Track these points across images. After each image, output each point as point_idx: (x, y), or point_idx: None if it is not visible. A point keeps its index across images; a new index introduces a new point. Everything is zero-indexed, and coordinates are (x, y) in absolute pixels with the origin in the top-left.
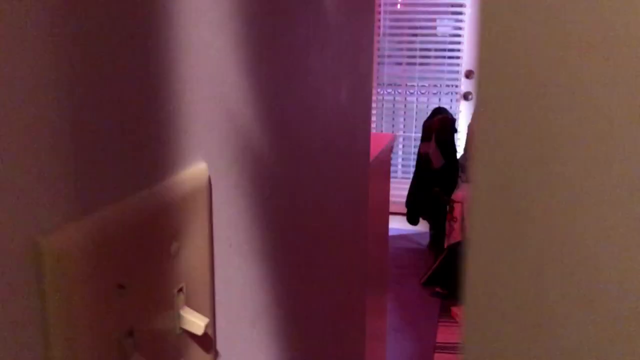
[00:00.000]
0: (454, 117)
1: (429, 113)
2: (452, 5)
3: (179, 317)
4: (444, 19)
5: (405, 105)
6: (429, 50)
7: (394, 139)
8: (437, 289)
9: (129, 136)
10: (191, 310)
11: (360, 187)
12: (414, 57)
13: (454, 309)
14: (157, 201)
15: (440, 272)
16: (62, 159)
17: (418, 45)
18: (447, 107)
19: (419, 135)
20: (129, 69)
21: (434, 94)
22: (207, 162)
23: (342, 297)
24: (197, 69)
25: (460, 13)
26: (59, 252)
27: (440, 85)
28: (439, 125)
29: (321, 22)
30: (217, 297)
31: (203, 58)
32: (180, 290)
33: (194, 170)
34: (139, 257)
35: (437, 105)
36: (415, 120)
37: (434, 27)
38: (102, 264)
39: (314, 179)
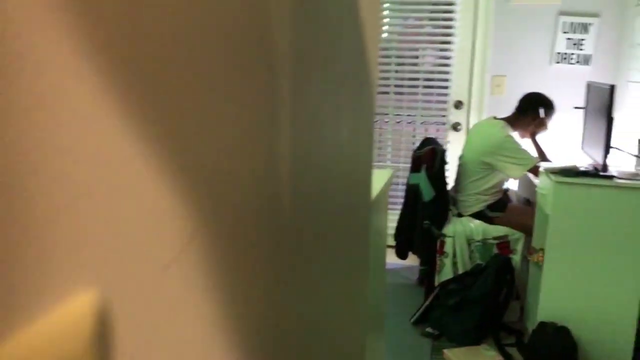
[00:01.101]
0: (444, 147)
1: (416, 143)
2: (442, 35)
3: None
4: (427, 48)
5: (391, 136)
6: (417, 79)
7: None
8: (428, 329)
9: None
10: None
11: (362, 223)
12: (401, 86)
13: (446, 352)
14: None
15: (431, 311)
16: None
17: (407, 75)
18: (435, 137)
19: (407, 165)
20: None
21: (422, 123)
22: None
23: (343, 340)
24: None
25: (448, 42)
26: None
27: (429, 115)
28: (429, 156)
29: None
30: None
31: None
32: None
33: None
34: None
35: (424, 136)
36: (402, 150)
37: (419, 57)
38: None
39: (316, 217)
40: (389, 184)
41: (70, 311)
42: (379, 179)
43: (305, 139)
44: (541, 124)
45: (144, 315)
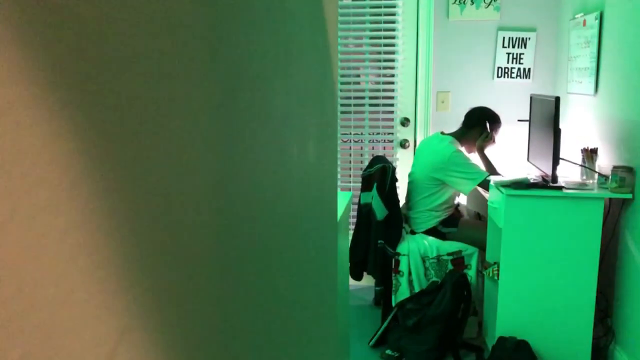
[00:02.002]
0: (393, 165)
1: (365, 162)
2: (385, 53)
3: None
4: (368, 67)
5: (340, 155)
6: (362, 98)
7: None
8: (388, 351)
9: None
10: None
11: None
12: (348, 105)
13: None
14: None
15: (390, 332)
16: None
17: (352, 94)
18: (383, 155)
19: (357, 185)
20: None
21: (370, 141)
22: None
23: None
24: None
25: (392, 60)
26: None
27: (376, 133)
28: (380, 174)
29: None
30: None
31: None
32: None
33: None
34: None
35: (372, 154)
36: (352, 170)
37: (361, 75)
38: None
39: (285, 242)
40: (349, 206)
41: None
42: (340, 201)
43: (270, 159)
44: (488, 138)
45: None
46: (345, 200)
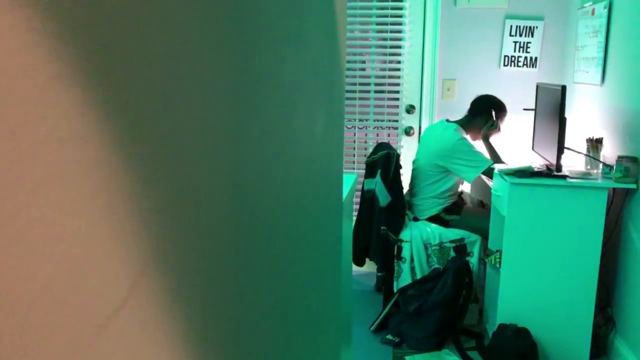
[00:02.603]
0: (398, 152)
1: (369, 149)
2: (392, 39)
3: None
4: (374, 53)
5: (344, 142)
6: (367, 85)
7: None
8: (388, 336)
9: None
10: None
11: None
12: (353, 91)
13: (408, 359)
14: None
15: (391, 318)
16: None
17: (358, 80)
18: (387, 142)
19: (361, 171)
20: None
21: (374, 128)
22: None
23: (317, 349)
24: None
25: (398, 47)
26: None
27: (381, 120)
28: (385, 161)
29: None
30: None
31: None
32: None
33: None
34: None
35: (376, 141)
36: (355, 157)
37: (367, 62)
38: None
39: (290, 220)
40: (353, 189)
41: None
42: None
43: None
44: (494, 127)
45: None
46: (350, 182)
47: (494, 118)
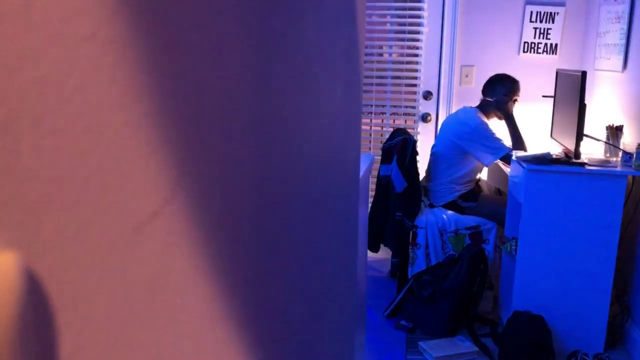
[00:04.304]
0: (415, 138)
1: (385, 135)
2: (410, 25)
3: None
4: (392, 39)
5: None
6: (385, 70)
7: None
8: (402, 322)
9: None
10: None
11: (351, 208)
12: (370, 77)
13: (421, 344)
14: None
15: (405, 304)
16: None
17: (375, 66)
18: (404, 128)
19: (376, 158)
20: None
21: (391, 114)
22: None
23: (331, 332)
24: None
25: (417, 32)
26: None
27: (398, 106)
28: (401, 146)
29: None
30: None
31: None
32: None
33: None
34: None
35: (393, 127)
36: (372, 142)
37: (384, 47)
38: None
39: (306, 198)
40: (369, 169)
41: None
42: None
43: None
44: (507, 102)
45: (102, 284)
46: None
47: (506, 93)
